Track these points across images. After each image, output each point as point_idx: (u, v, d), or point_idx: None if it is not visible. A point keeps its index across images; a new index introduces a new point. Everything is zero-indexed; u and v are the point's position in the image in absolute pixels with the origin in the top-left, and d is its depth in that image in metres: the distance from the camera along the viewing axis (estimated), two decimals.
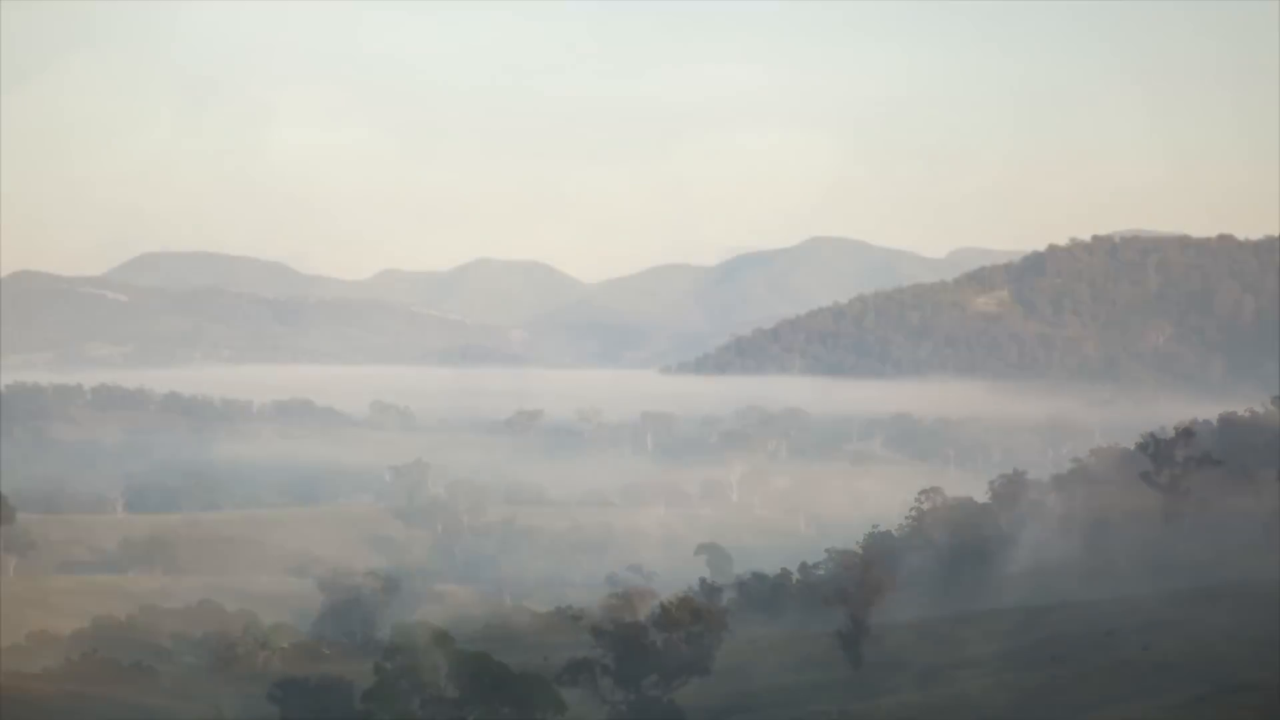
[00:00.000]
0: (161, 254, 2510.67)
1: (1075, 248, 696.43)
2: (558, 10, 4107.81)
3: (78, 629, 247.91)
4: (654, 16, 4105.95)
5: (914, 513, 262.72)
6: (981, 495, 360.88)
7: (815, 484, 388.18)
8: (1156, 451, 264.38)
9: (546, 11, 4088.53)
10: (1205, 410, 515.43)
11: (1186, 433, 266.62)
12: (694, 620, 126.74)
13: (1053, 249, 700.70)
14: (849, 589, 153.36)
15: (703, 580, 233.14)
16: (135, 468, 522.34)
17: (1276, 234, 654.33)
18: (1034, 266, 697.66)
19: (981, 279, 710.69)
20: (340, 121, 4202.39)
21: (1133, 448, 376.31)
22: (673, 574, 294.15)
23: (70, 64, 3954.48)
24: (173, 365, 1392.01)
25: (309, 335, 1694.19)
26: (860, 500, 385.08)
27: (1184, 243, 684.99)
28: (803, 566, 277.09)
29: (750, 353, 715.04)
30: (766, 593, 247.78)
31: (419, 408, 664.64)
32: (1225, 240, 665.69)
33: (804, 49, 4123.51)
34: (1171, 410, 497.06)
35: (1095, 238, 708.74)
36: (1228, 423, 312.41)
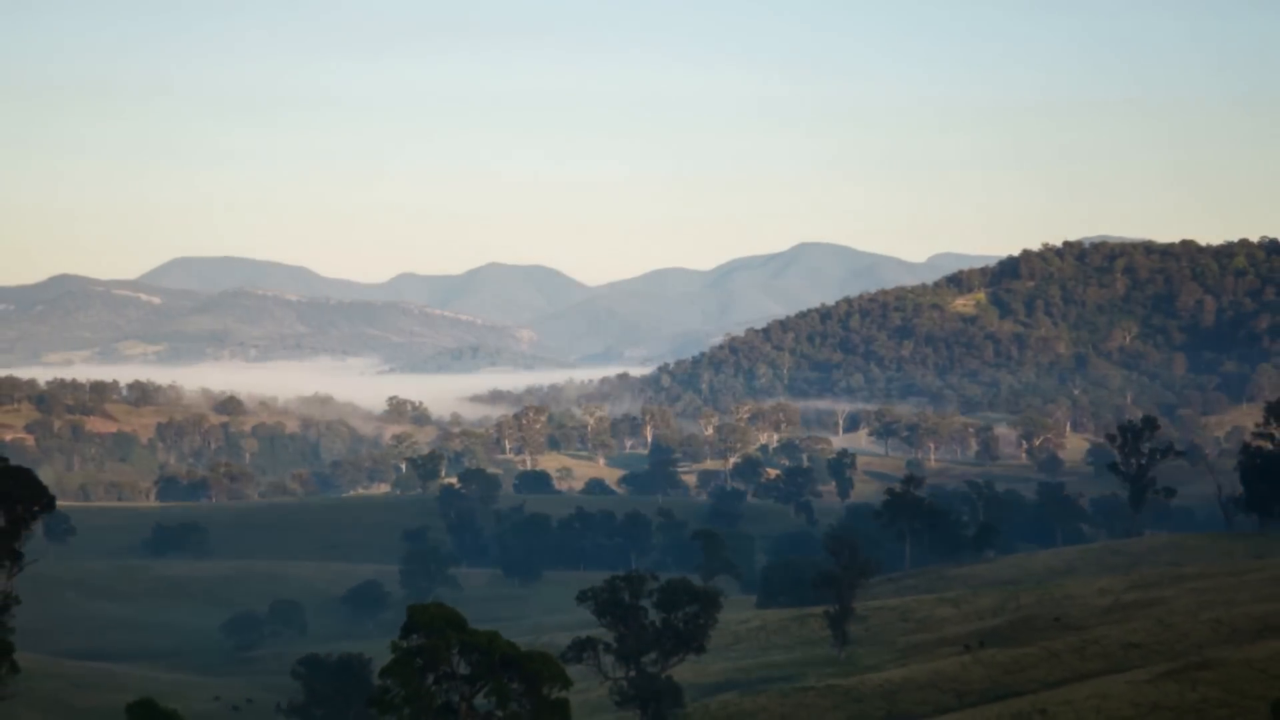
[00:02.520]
0: (192, 259, 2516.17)
1: (1047, 252, 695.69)
2: (563, 33, 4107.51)
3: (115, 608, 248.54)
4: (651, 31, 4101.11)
5: (896, 501, 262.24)
6: (959, 485, 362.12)
7: (804, 473, 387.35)
8: (1124, 443, 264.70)
9: (553, 36, 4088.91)
10: (1170, 404, 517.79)
11: (1151, 425, 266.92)
12: (690, 601, 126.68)
13: (1026, 254, 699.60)
14: (836, 573, 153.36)
15: (699, 564, 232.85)
16: (167, 458, 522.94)
17: (1236, 239, 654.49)
18: (1008, 270, 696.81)
19: (959, 282, 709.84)
20: (360, 135, 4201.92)
21: (1102, 439, 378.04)
22: (671, 558, 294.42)
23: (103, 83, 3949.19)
24: (202, 363, 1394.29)
25: (330, 334, 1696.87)
26: (846, 489, 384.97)
27: (1149, 247, 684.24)
28: (792, 552, 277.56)
29: (743, 351, 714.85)
30: (759, 576, 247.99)
31: (433, 402, 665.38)
32: (1188, 245, 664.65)
33: (791, 65, 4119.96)
34: (1137, 405, 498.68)
35: (1066, 243, 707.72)
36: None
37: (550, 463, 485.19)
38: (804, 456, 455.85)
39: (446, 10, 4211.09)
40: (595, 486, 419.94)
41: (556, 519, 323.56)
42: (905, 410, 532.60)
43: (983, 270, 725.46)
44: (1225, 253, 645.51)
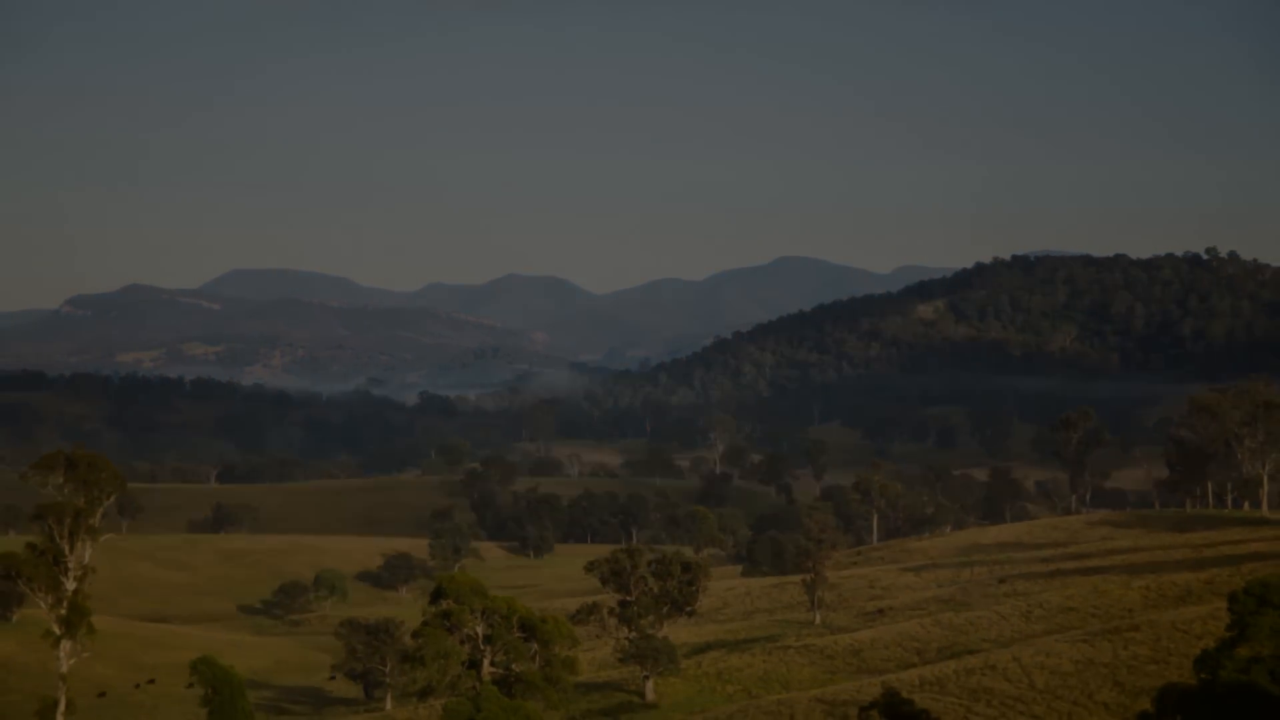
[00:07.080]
0: (247, 270, 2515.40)
1: (998, 265, 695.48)
2: (571, 58, 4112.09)
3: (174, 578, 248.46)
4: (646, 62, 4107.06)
5: (864, 482, 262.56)
6: (920, 469, 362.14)
7: (783, 459, 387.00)
8: (1064, 432, 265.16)
9: (561, 62, 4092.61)
10: (1104, 398, 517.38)
11: (1087, 417, 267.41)
12: (684, 571, 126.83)
13: (980, 266, 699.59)
14: (811, 546, 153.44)
15: (691, 537, 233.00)
16: (226, 446, 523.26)
17: (1163, 253, 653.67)
18: (964, 280, 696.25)
19: (921, 291, 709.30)
20: (390, 157, 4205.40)
21: (1045, 428, 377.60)
22: (666, 532, 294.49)
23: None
24: (256, 362, 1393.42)
25: (368, 337, 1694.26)
26: (820, 472, 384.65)
27: (1087, 260, 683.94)
28: (773, 527, 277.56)
29: (731, 351, 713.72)
30: (743, 548, 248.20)
31: (458, 398, 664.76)
32: (1121, 259, 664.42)
33: (779, 92, 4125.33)
34: (1076, 398, 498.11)
35: (1015, 256, 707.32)
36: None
37: (561, 450, 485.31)
38: (784, 444, 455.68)
39: (460, 32, 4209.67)
40: (600, 470, 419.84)
41: (566, 499, 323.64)
42: (872, 404, 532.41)
43: (942, 280, 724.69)
44: (1154, 265, 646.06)
